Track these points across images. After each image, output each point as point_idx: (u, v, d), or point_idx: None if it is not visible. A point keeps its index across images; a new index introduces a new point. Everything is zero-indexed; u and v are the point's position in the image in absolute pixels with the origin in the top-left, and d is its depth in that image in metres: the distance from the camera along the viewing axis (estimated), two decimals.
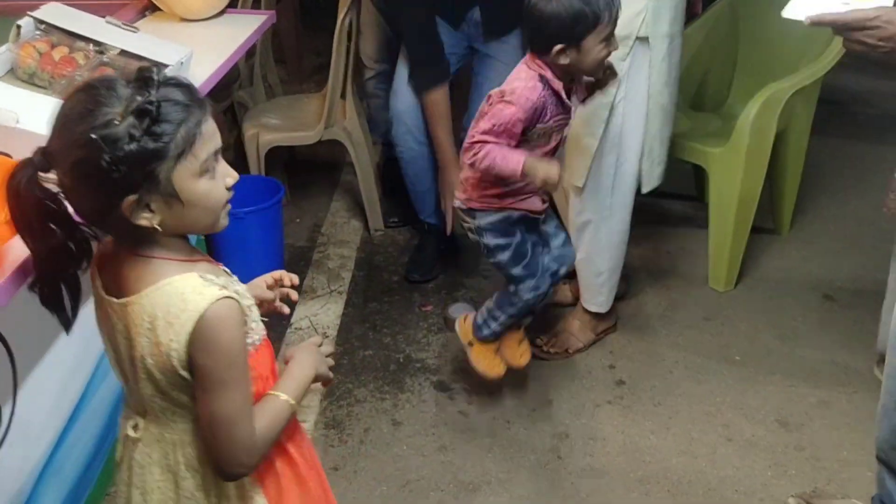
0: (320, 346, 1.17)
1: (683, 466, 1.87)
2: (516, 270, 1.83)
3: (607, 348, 2.27)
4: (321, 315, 2.40)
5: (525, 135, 1.66)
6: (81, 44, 1.64)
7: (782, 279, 2.53)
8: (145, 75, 0.90)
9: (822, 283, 2.50)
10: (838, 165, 3.16)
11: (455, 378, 2.16)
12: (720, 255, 2.45)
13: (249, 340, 1.02)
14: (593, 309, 2.25)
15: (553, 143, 1.73)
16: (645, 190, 2.14)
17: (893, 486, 1.31)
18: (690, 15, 2.50)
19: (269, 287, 1.23)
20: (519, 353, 2.01)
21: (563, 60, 1.59)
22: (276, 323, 2.34)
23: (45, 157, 0.91)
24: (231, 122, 2.96)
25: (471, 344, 1.97)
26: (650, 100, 2.00)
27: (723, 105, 2.74)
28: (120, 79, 0.90)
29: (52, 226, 0.93)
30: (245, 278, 2.62)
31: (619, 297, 2.30)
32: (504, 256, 1.82)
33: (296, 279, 1.25)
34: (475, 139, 1.67)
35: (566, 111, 1.71)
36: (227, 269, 1.08)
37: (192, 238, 2.25)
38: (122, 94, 0.88)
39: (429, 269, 2.58)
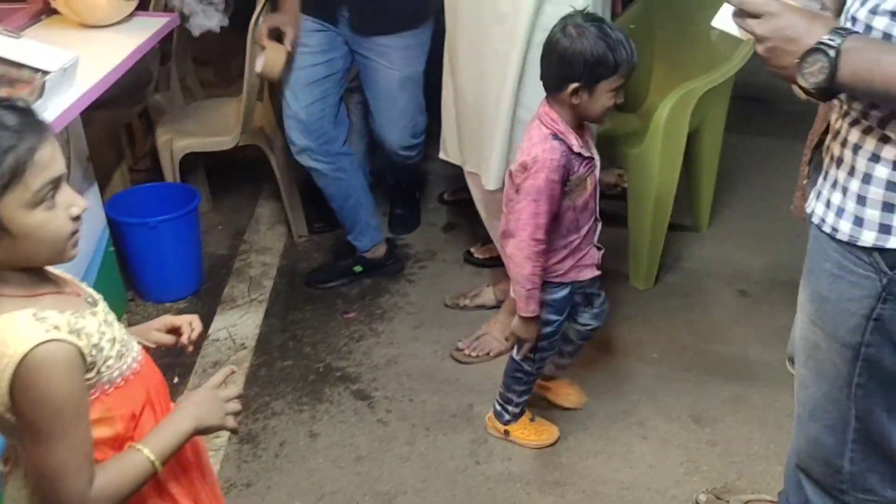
0: (232, 384, 1.10)
1: (599, 466, 1.89)
2: (543, 344, 1.84)
3: None
4: (240, 325, 2.35)
5: (564, 188, 1.67)
6: None
7: (700, 276, 2.58)
8: None
9: (737, 278, 2.56)
10: (757, 162, 3.23)
11: (375, 386, 2.14)
12: (639, 253, 2.48)
13: (105, 378, 0.97)
14: None
15: (591, 188, 1.72)
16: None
17: (813, 493, 1.33)
18: (611, 15, 2.53)
19: (170, 331, 1.19)
20: (568, 394, 2.06)
21: (575, 101, 1.60)
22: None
23: None
24: (147, 128, 2.89)
25: (507, 433, 1.97)
26: None
27: (642, 105, 2.78)
28: None
29: None
30: (161, 289, 2.56)
31: None
32: (546, 330, 1.81)
33: (198, 328, 1.20)
34: (529, 224, 1.64)
35: (590, 156, 1.71)
36: (91, 299, 1.03)
37: (101, 249, 2.20)
38: None
39: (332, 278, 2.55)
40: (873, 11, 1.01)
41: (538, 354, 1.86)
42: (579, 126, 1.68)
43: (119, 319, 2.37)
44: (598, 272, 1.82)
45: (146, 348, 1.13)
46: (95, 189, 2.18)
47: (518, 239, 1.66)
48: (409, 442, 1.96)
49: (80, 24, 2.09)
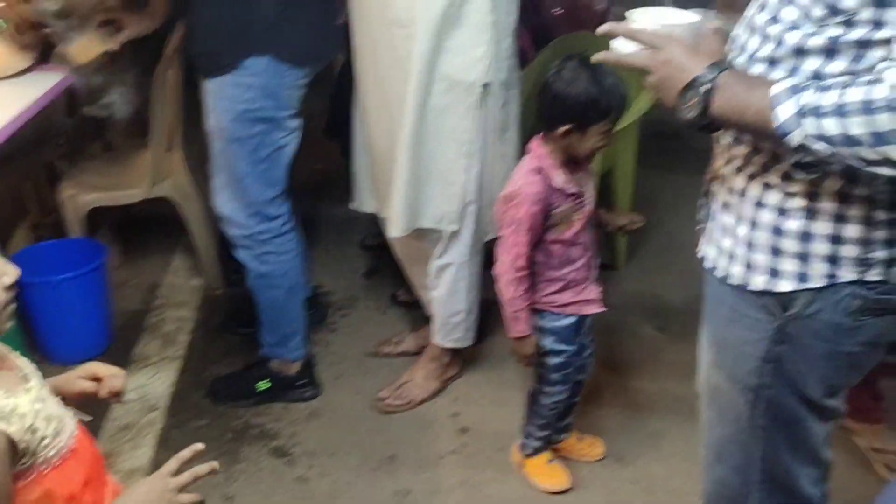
0: (192, 468, 1.05)
1: None
2: (555, 376, 1.85)
3: (452, 395, 2.26)
4: (152, 385, 2.26)
5: (546, 222, 1.71)
6: None
7: (619, 313, 2.61)
8: None
9: (655, 314, 2.61)
10: (671, 198, 3.31)
11: (295, 441, 2.08)
12: None
13: (41, 459, 0.93)
14: (449, 345, 2.23)
15: (578, 224, 1.75)
16: (488, 239, 2.12)
17: None
18: (522, 63, 2.57)
19: (93, 380, 1.14)
20: (585, 448, 2.04)
21: (565, 141, 1.66)
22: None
23: None
24: (53, 182, 2.77)
25: (523, 465, 1.96)
26: (489, 148, 2.01)
27: None
28: None
29: None
30: (68, 349, 2.44)
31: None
32: (555, 361, 1.83)
33: (118, 385, 1.14)
34: (511, 251, 1.72)
35: (578, 193, 1.73)
36: (22, 373, 0.97)
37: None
38: None
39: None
40: (751, 58, 1.06)
41: (553, 388, 1.86)
42: (572, 162, 1.72)
43: None
44: (602, 308, 1.84)
45: (79, 420, 1.07)
46: None
47: (501, 263, 1.74)
48: (330, 498, 1.91)
49: None
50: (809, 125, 0.92)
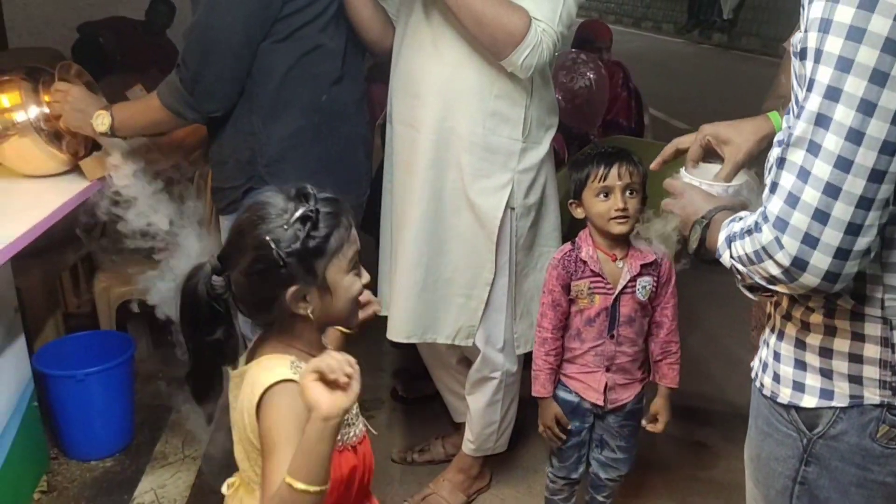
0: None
1: None
2: (553, 447, 1.89)
3: None
4: (169, 486, 2.19)
5: (570, 292, 1.77)
6: None
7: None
8: (304, 192, 1.10)
9: (699, 426, 2.47)
10: (711, 301, 3.21)
11: None
12: None
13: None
14: (481, 454, 2.14)
15: (598, 306, 1.75)
16: (520, 352, 2.03)
17: None
18: (557, 164, 2.54)
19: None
20: None
21: (580, 214, 1.78)
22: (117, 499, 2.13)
23: (220, 262, 1.10)
24: (91, 272, 2.81)
25: None
26: (516, 264, 1.95)
27: None
28: (279, 195, 1.10)
29: (216, 322, 1.11)
30: (87, 446, 2.38)
31: None
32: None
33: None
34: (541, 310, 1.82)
35: (600, 274, 1.74)
36: None
37: (23, 404, 2.05)
38: (285, 207, 1.08)
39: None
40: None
41: (553, 459, 1.89)
42: (615, 242, 1.74)
43: (39, 479, 2.21)
44: (599, 401, 1.79)
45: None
46: (22, 342, 2.07)
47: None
48: None
49: (21, 175, 2.06)
50: (733, 249, 1.01)
